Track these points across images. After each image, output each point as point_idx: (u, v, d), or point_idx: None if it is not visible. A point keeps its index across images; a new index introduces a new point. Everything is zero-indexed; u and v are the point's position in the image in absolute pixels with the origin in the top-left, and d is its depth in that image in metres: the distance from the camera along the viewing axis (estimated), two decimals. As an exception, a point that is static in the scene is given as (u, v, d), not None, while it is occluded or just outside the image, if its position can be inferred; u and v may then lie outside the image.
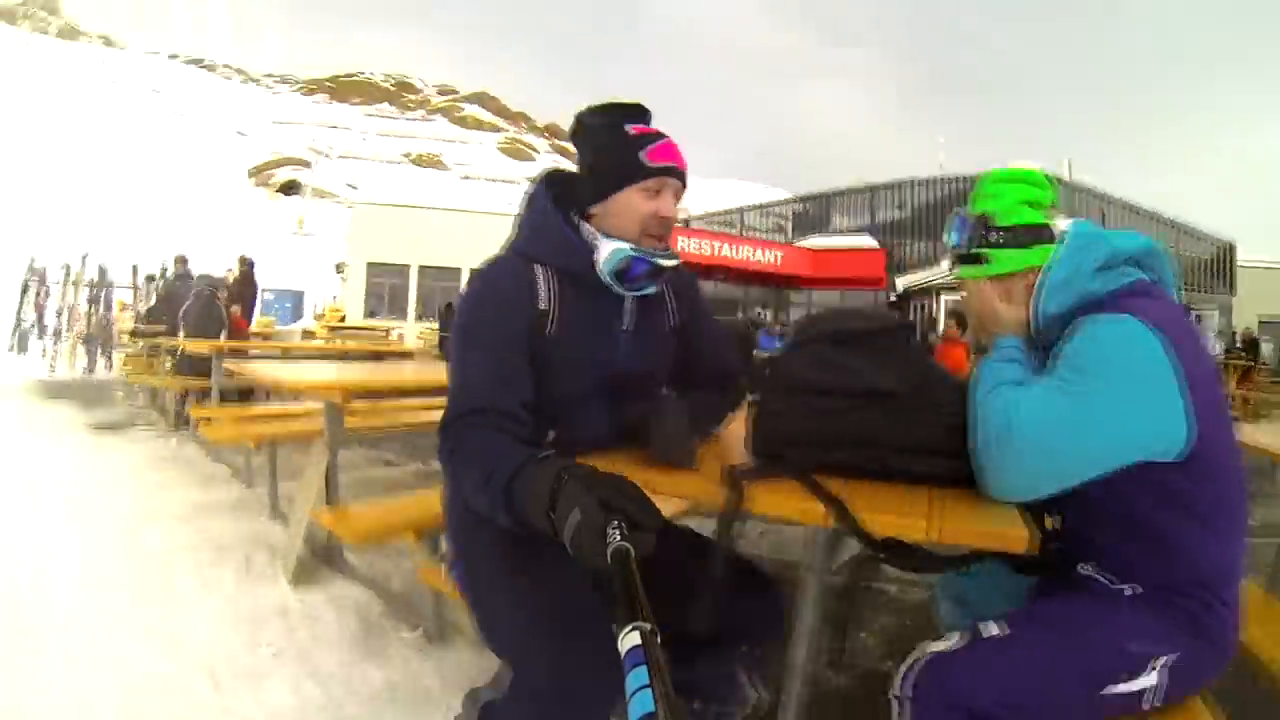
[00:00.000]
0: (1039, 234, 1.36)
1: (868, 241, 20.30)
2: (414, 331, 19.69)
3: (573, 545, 0.95)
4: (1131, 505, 1.22)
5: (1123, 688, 1.22)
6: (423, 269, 24.15)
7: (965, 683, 1.22)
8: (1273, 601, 1.94)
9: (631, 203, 1.38)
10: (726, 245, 20.57)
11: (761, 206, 23.37)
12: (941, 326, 17.16)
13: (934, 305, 19.36)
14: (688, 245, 19.48)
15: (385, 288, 24.29)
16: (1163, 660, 1.22)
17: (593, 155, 1.42)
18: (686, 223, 20.71)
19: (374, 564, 2.92)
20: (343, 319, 19.84)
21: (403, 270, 24.09)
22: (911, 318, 20.04)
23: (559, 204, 1.42)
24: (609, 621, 0.78)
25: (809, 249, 20.66)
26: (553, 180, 1.47)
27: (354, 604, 2.55)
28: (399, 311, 23.63)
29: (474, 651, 2.26)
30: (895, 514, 1.15)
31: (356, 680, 2.09)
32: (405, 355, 8.08)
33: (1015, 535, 1.08)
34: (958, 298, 16.99)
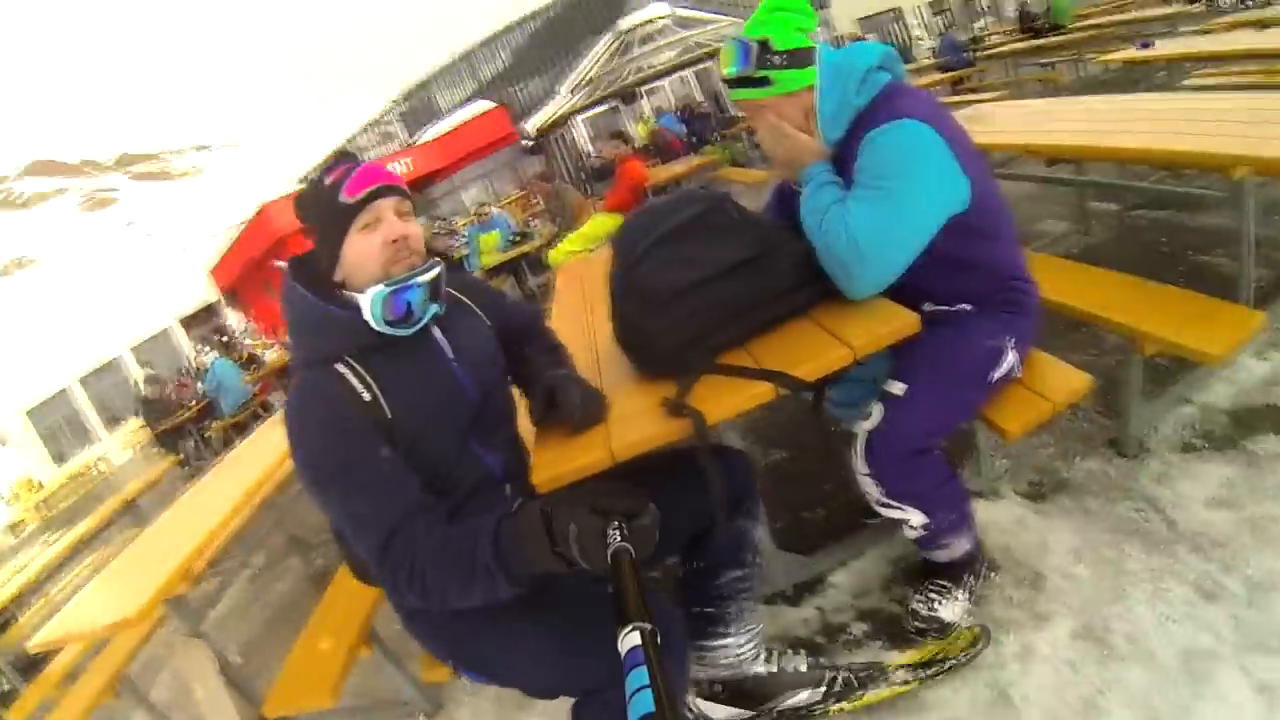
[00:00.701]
0: (810, 56, 1.51)
1: (484, 104, 19.83)
2: (117, 444, 16.76)
3: (581, 557, 0.98)
4: (941, 250, 1.48)
5: (998, 373, 1.59)
6: (84, 381, 20.55)
7: (900, 437, 1.53)
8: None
9: (356, 247, 1.28)
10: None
11: (367, 127, 21.95)
12: (593, 149, 17.34)
13: (572, 133, 19.57)
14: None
15: (59, 423, 20.49)
16: (1011, 341, 1.59)
17: (310, 226, 1.33)
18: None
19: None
20: (40, 487, 16.45)
21: (65, 396, 20.33)
22: (555, 151, 20.29)
23: (315, 286, 1.31)
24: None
25: (432, 141, 19.82)
26: (300, 266, 1.35)
27: (346, 745, 2.28)
28: (86, 437, 20.21)
29: (472, 695, 2.19)
30: (817, 359, 1.31)
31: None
32: (151, 486, 6.74)
33: (909, 320, 1.33)
34: (593, 114, 17.17)
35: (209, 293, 20.81)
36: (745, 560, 1.56)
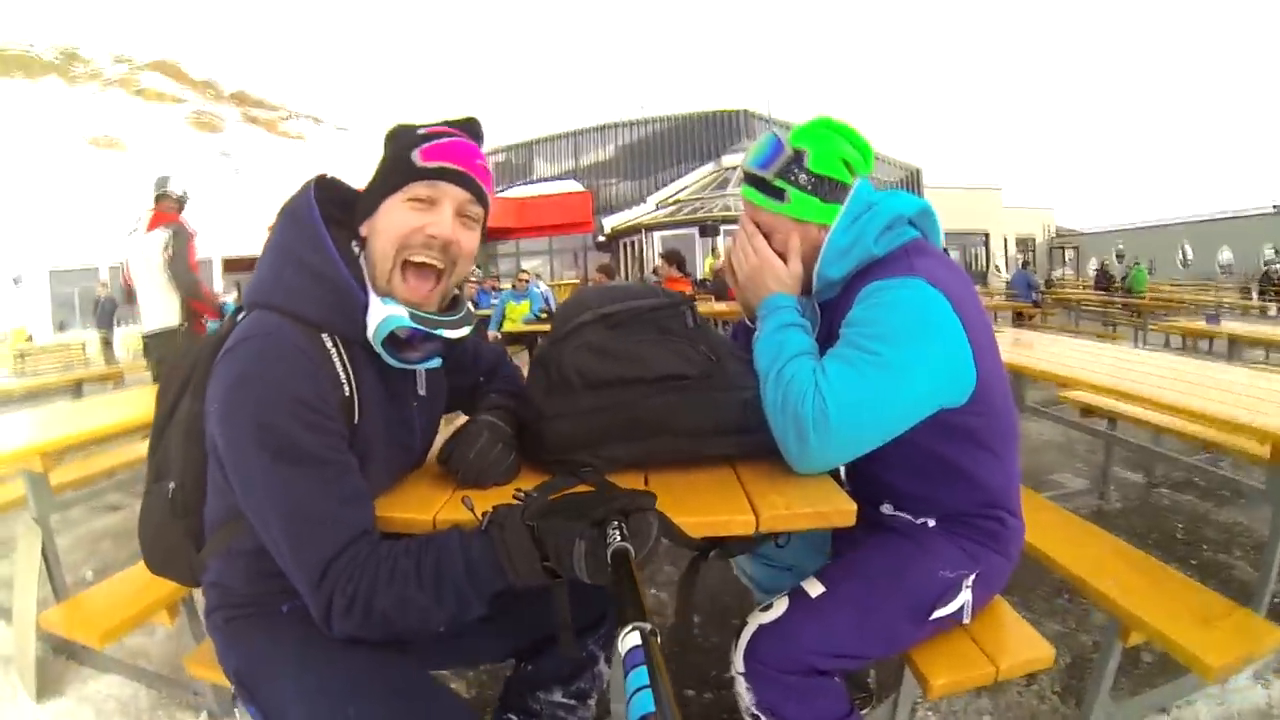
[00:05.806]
0: (840, 193, 1.29)
1: (572, 185, 20.27)
2: (118, 337, 16.79)
3: (584, 573, 0.87)
4: (922, 445, 1.23)
5: (943, 611, 1.27)
6: (113, 268, 20.78)
7: (797, 646, 1.21)
8: (1033, 495, 2.14)
9: (393, 215, 1.05)
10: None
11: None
12: (654, 265, 17.83)
13: (643, 244, 19.82)
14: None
15: (73, 295, 20.66)
16: (971, 577, 1.28)
17: (379, 166, 1.10)
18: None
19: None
20: (29, 339, 16.48)
21: (92, 272, 20.54)
22: (621, 256, 20.69)
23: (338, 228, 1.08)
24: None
25: (513, 199, 20.22)
26: (323, 193, 1.10)
27: (118, 703, 2.07)
28: (96, 319, 20.33)
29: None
30: (713, 514, 1.05)
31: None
32: (110, 378, 6.78)
33: (844, 511, 1.05)
34: (668, 234, 17.57)
35: (259, 245, 21.19)
36: (579, 690, 1.33)
